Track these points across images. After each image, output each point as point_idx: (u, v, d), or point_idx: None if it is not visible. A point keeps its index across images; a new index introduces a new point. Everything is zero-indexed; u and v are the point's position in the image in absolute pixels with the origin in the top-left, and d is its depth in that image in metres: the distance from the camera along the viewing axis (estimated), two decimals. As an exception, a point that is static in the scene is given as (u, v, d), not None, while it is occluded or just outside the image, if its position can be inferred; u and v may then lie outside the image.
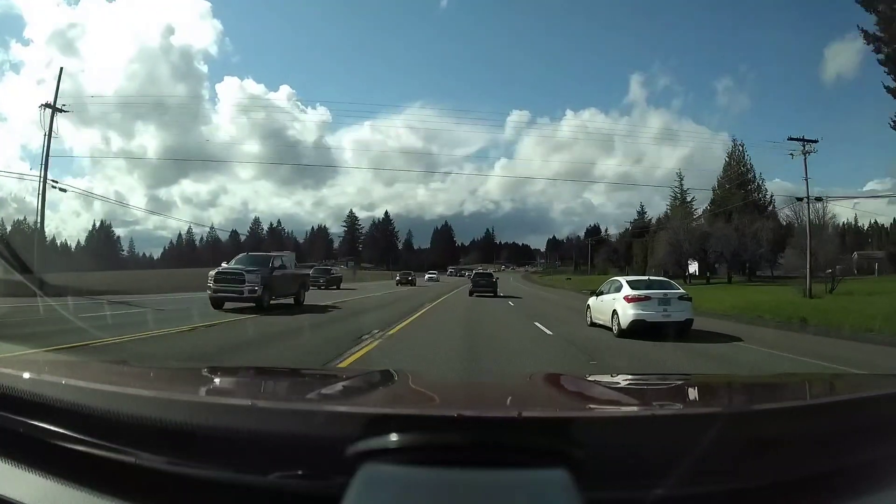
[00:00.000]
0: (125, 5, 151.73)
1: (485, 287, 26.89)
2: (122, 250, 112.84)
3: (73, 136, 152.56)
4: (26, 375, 1.13)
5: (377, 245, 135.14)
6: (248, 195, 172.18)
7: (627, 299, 10.68)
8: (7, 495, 0.93)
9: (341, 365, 6.58)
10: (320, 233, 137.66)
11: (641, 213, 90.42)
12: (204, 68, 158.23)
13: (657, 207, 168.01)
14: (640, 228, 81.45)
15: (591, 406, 1.38)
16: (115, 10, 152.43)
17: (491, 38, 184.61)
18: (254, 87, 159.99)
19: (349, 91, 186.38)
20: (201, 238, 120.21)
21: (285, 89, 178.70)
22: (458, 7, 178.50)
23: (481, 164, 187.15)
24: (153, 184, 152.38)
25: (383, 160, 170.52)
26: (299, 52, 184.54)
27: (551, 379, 1.91)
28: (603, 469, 0.83)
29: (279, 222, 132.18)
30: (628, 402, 1.44)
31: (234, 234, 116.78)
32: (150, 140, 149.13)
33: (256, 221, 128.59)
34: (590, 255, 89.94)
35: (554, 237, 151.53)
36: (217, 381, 1.69)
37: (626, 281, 11.70)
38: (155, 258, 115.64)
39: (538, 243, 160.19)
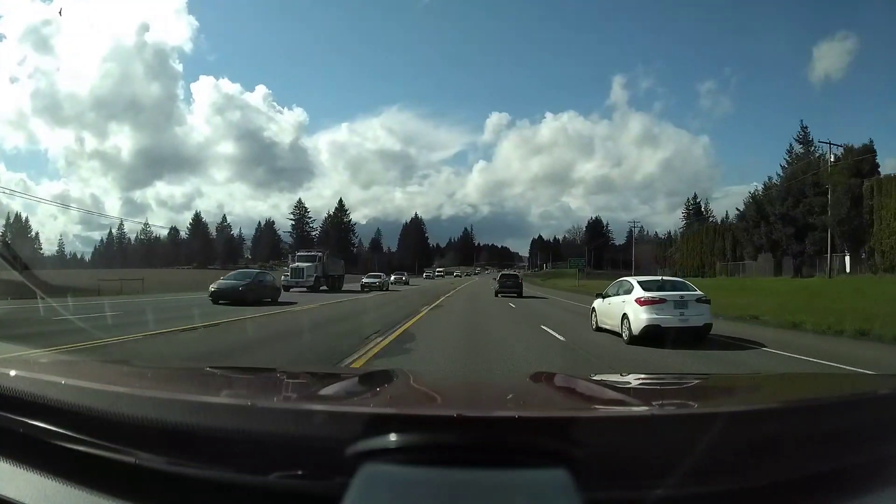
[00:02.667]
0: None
1: (511, 287, 28.95)
2: (41, 249, 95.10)
3: (48, 137, 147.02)
4: (26, 375, 1.14)
5: (330, 242, 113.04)
6: (223, 198, 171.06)
7: (639, 302, 9.60)
8: (7, 495, 0.93)
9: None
10: (267, 229, 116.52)
11: (806, 139, 47.84)
12: (179, 67, 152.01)
13: (635, 211, 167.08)
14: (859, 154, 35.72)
15: (591, 406, 1.38)
16: (88, 5, 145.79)
17: (470, 39, 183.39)
18: (229, 87, 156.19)
19: (327, 92, 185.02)
20: (136, 236, 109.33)
21: (261, 89, 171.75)
22: (437, 8, 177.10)
23: (460, 166, 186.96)
24: (127, 186, 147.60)
25: (360, 162, 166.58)
26: (276, 51, 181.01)
27: (551, 379, 1.91)
28: (603, 469, 0.83)
29: (224, 218, 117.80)
30: (628, 402, 1.44)
31: (174, 231, 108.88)
32: (124, 140, 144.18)
33: (197, 217, 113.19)
34: (632, 252, 66.65)
35: (540, 236, 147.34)
36: (217, 381, 1.69)
37: (638, 281, 10.54)
38: (87, 259, 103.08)
39: (517, 246, 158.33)
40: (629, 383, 1.88)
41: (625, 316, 9.91)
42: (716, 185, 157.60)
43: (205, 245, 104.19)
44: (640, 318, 9.45)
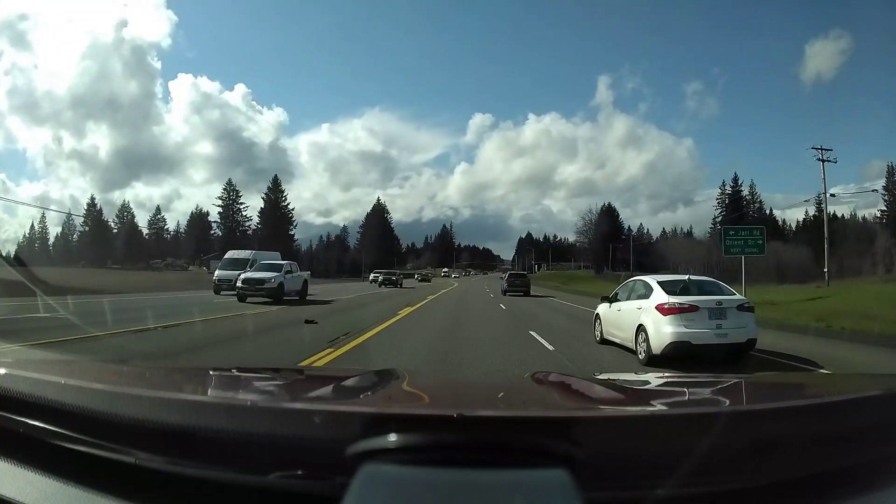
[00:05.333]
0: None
1: (519, 286, 29.68)
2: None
3: (26, 136, 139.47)
4: (26, 375, 1.14)
5: (274, 240, 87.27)
6: (201, 199, 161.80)
7: (662, 310, 7.33)
8: (7, 495, 0.93)
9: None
10: (199, 220, 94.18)
11: None
12: (157, 64, 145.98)
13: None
14: None
15: (591, 406, 1.38)
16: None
17: (454, 39, 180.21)
18: (208, 85, 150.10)
19: (308, 92, 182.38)
20: (64, 230, 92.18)
21: (241, 88, 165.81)
22: (420, 8, 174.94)
23: (441, 169, 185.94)
24: (105, 187, 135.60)
25: (340, 164, 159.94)
26: (256, 49, 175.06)
27: (551, 379, 1.91)
28: (603, 469, 0.83)
29: (158, 209, 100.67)
30: (628, 402, 1.44)
31: (104, 224, 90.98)
32: (101, 140, 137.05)
33: (125, 207, 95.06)
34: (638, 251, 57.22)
35: (529, 234, 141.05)
36: (217, 381, 1.69)
37: (657, 282, 8.06)
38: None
39: (498, 249, 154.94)
40: (629, 383, 1.88)
41: (641, 328, 7.66)
42: (699, 187, 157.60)
43: (106, 240, 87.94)
44: (663, 331, 7.22)
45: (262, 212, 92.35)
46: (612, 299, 9.36)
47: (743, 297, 7.92)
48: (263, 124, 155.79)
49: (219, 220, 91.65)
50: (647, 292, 8.07)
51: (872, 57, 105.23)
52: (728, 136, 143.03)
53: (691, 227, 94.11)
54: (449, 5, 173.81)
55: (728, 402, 1.48)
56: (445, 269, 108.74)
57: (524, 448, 0.82)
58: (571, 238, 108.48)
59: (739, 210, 71.92)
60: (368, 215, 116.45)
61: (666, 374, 2.34)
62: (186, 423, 0.93)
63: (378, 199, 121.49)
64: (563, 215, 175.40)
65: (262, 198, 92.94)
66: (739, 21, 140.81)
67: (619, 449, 0.87)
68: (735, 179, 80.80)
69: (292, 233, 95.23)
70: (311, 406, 1.11)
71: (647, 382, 2.00)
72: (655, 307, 7.52)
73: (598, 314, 9.93)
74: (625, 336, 8.42)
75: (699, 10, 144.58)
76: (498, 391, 1.73)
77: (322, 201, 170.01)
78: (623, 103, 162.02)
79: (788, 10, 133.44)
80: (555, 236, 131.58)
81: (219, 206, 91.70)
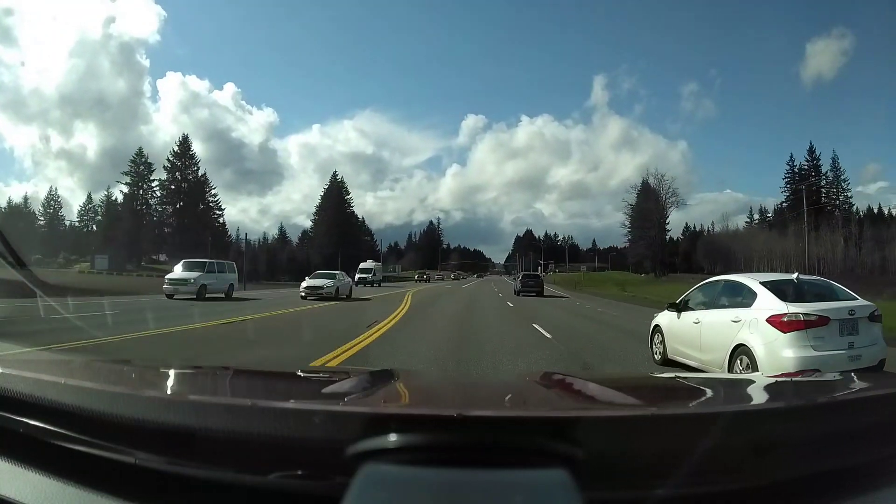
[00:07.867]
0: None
1: (532, 287, 30.24)
2: None
3: (12, 135, 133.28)
4: (26, 375, 1.14)
5: (183, 228, 67.81)
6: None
7: (780, 324, 5.26)
8: (7, 495, 0.94)
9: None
10: (128, 210, 70.58)
11: None
12: (146, 62, 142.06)
13: (609, 217, 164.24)
14: None
15: (591, 406, 1.38)
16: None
17: (448, 39, 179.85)
18: (197, 84, 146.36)
19: (298, 93, 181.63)
20: None
21: (230, 87, 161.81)
22: (413, 9, 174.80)
23: (433, 171, 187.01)
24: (93, 187, 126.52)
25: (331, 165, 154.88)
26: (246, 48, 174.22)
27: (551, 379, 1.91)
28: (603, 469, 0.83)
29: (90, 197, 80.00)
30: (628, 403, 1.44)
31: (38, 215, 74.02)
32: (89, 139, 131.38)
33: (53, 196, 78.79)
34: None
35: (529, 231, 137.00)
36: (217, 381, 1.69)
37: (762, 283, 5.90)
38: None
39: (489, 252, 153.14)
40: (630, 383, 1.88)
41: (740, 349, 5.59)
42: (693, 190, 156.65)
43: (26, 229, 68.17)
44: (782, 356, 5.16)
45: (163, 186, 71.23)
46: (681, 307, 7.19)
47: (871, 303, 5.90)
48: (253, 125, 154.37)
49: (122, 205, 71.10)
50: (747, 298, 5.88)
51: (876, 56, 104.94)
52: (725, 138, 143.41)
53: (713, 223, 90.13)
54: (444, 5, 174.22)
55: (728, 402, 1.48)
56: (366, 263, 50.72)
57: (524, 448, 0.82)
58: (619, 231, 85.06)
59: (818, 192, 51.84)
60: (324, 196, 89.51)
61: (667, 375, 2.35)
62: (186, 423, 0.93)
63: (335, 176, 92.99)
64: (554, 219, 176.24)
65: (165, 167, 71.17)
66: (739, 21, 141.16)
67: (619, 449, 0.87)
68: (811, 150, 60.54)
69: (217, 215, 74.71)
70: (311, 406, 1.11)
71: (648, 383, 2.00)
72: (767, 319, 5.37)
73: (657, 325, 7.77)
74: (708, 358, 6.19)
75: (698, 10, 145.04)
76: (498, 391, 1.73)
77: (311, 203, 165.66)
78: (618, 104, 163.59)
79: (789, 8, 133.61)
80: (555, 235, 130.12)
81: (125, 184, 71.15)
